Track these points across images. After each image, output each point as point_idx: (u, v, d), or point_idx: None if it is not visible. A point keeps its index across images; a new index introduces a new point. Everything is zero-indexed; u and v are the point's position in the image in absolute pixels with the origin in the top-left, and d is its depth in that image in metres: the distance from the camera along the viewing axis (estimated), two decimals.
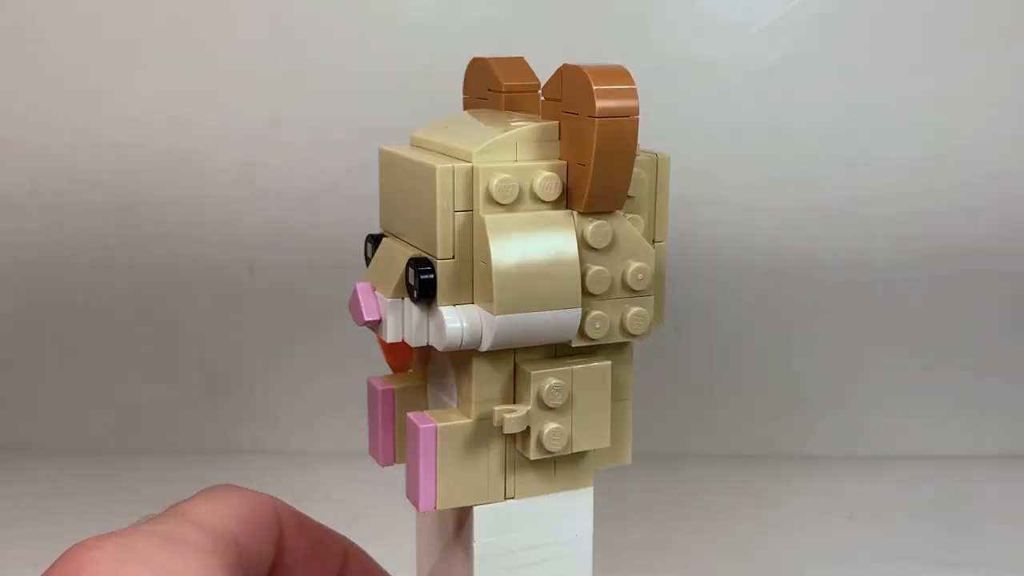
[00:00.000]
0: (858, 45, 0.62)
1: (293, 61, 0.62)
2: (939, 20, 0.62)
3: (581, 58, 0.29)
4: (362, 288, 0.28)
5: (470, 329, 0.26)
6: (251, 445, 0.66)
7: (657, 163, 0.28)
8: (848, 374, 0.66)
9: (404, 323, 0.27)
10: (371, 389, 0.30)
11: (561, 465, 0.28)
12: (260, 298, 0.65)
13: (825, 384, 0.66)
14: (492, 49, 0.60)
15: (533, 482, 0.28)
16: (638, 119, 0.25)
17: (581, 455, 0.28)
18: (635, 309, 0.27)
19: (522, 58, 0.31)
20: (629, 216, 0.27)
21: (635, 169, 0.27)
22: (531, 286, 0.26)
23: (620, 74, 0.25)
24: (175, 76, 0.63)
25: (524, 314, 0.26)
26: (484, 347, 0.26)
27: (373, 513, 0.51)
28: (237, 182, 0.63)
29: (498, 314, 0.25)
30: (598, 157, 0.25)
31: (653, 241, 0.28)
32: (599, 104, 0.25)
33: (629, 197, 0.27)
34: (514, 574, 0.28)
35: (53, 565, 0.22)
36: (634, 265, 0.27)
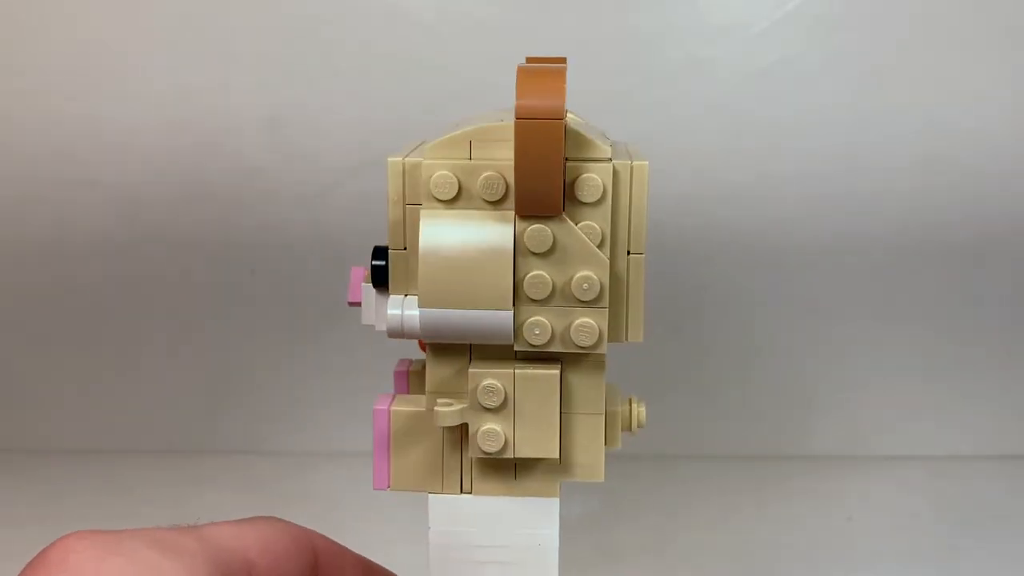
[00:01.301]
0: (858, 45, 0.62)
1: (293, 61, 0.62)
2: (939, 20, 0.62)
3: (580, 58, 0.29)
4: (355, 272, 0.29)
5: (410, 319, 0.27)
6: (251, 445, 0.66)
7: (632, 171, 0.26)
8: (848, 374, 0.66)
9: (372, 308, 0.28)
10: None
11: (522, 470, 0.28)
12: (260, 298, 0.65)
13: (825, 384, 0.66)
14: (491, 49, 0.61)
15: (490, 482, 0.28)
16: (562, 122, 0.24)
17: (541, 463, 0.28)
18: (581, 320, 0.26)
19: (563, 58, 0.30)
20: (583, 223, 0.26)
21: (588, 175, 0.26)
22: (459, 283, 0.26)
23: (551, 74, 0.25)
24: (175, 76, 0.63)
25: (452, 310, 0.26)
26: (423, 338, 0.27)
27: (373, 513, 0.51)
28: (237, 182, 0.63)
29: (421, 307, 0.26)
30: (517, 159, 0.25)
31: (628, 252, 0.27)
32: (518, 103, 0.24)
33: (584, 203, 0.26)
34: (470, 569, 0.29)
35: (39, 555, 0.22)
36: (580, 274, 0.26)
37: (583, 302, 0.26)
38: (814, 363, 0.65)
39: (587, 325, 0.26)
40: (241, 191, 0.64)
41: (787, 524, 0.57)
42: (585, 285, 0.26)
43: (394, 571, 0.31)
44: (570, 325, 0.26)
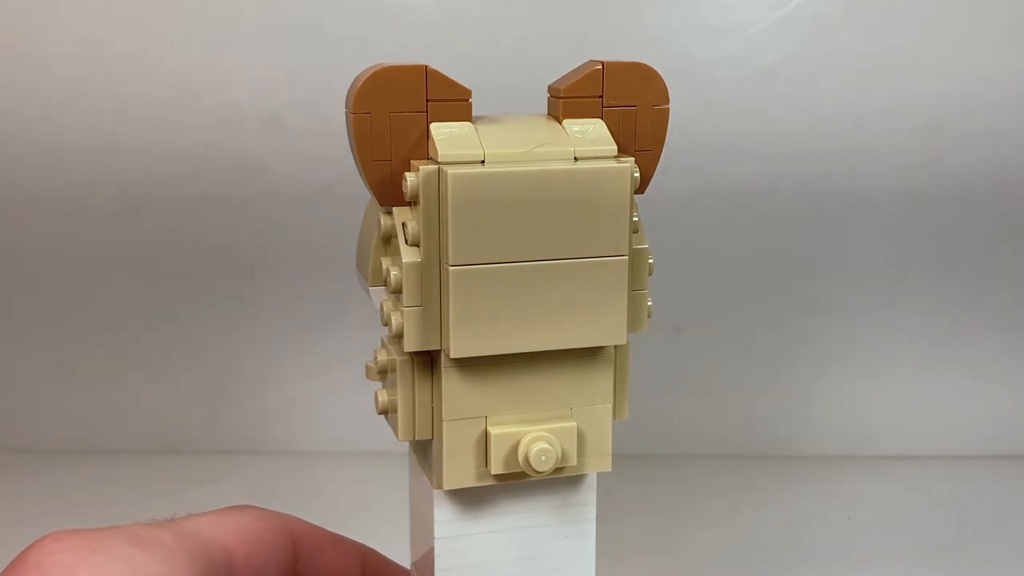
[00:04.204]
0: (858, 45, 0.62)
1: (294, 61, 0.62)
2: (939, 19, 0.62)
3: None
4: None
5: None
6: (251, 445, 0.66)
7: (446, 179, 0.25)
8: (848, 373, 0.66)
9: None
10: None
11: (425, 447, 0.28)
12: (260, 298, 0.65)
13: (825, 384, 0.66)
14: (492, 49, 0.60)
15: (418, 449, 0.29)
16: (351, 114, 0.26)
17: (428, 449, 0.28)
18: (393, 311, 0.26)
19: (589, 61, 0.30)
20: (407, 220, 0.26)
21: (406, 172, 0.25)
22: (362, 253, 0.29)
23: (370, 71, 0.26)
24: (175, 76, 0.63)
25: (363, 277, 0.29)
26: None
27: (373, 513, 0.51)
28: (237, 182, 0.63)
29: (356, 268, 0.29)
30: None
31: (440, 262, 0.25)
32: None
33: (408, 201, 0.26)
34: (417, 524, 0.30)
35: (17, 557, 0.22)
36: (390, 266, 0.26)
37: (394, 294, 0.26)
38: (814, 363, 0.65)
39: (394, 316, 0.26)
40: (241, 191, 0.64)
41: (787, 524, 0.57)
42: (388, 278, 0.26)
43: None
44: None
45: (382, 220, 0.27)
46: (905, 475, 0.63)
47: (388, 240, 0.27)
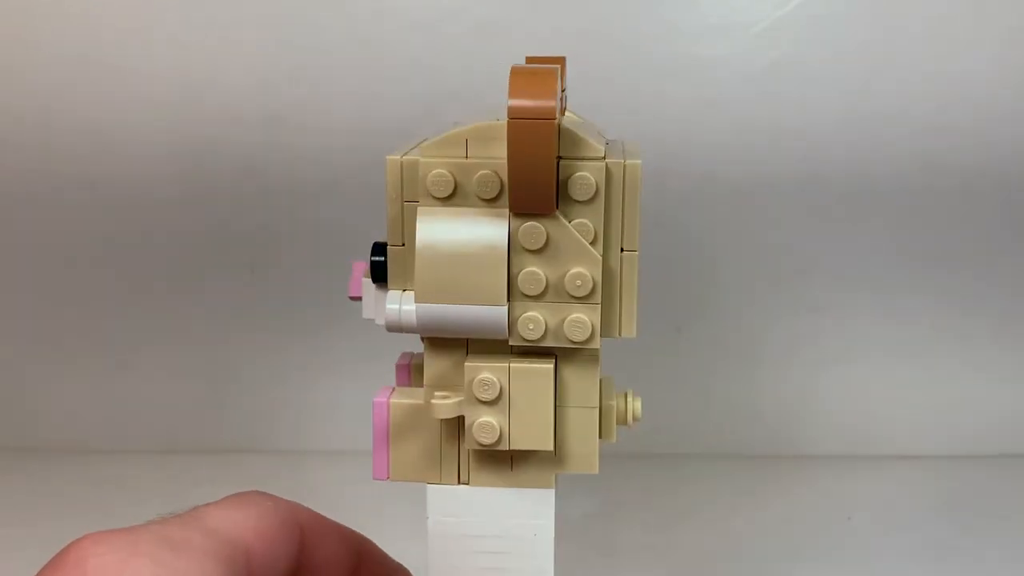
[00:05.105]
0: (859, 45, 0.62)
1: (293, 60, 0.62)
2: (939, 19, 0.62)
3: (580, 58, 0.29)
4: (356, 266, 0.30)
5: (407, 313, 0.27)
6: (251, 445, 0.66)
7: (624, 170, 0.27)
8: (848, 373, 0.66)
9: (372, 302, 0.29)
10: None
11: (518, 462, 0.29)
12: (260, 298, 0.65)
13: (825, 384, 0.66)
14: (492, 50, 0.60)
15: (487, 473, 0.29)
16: (553, 122, 0.25)
17: (536, 455, 0.28)
18: (574, 315, 0.27)
19: (560, 58, 0.30)
20: (576, 221, 0.27)
21: (581, 173, 0.26)
22: (454, 279, 0.27)
23: (544, 75, 0.25)
24: (175, 76, 0.63)
25: (447, 306, 0.27)
26: (420, 332, 0.28)
27: (373, 513, 0.51)
28: (237, 180, 0.63)
29: (417, 303, 0.27)
30: (510, 158, 0.25)
31: (622, 249, 0.27)
32: (511, 103, 0.25)
33: (578, 202, 0.27)
34: (469, 559, 0.29)
35: (55, 557, 0.22)
36: (573, 270, 0.27)
37: (576, 298, 0.27)
38: (814, 362, 0.65)
39: (580, 321, 0.27)
40: (241, 190, 0.64)
41: (787, 524, 0.57)
42: (578, 282, 0.26)
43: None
44: (563, 320, 0.27)
45: (530, 229, 0.26)
46: (905, 475, 0.63)
47: (542, 249, 0.27)
